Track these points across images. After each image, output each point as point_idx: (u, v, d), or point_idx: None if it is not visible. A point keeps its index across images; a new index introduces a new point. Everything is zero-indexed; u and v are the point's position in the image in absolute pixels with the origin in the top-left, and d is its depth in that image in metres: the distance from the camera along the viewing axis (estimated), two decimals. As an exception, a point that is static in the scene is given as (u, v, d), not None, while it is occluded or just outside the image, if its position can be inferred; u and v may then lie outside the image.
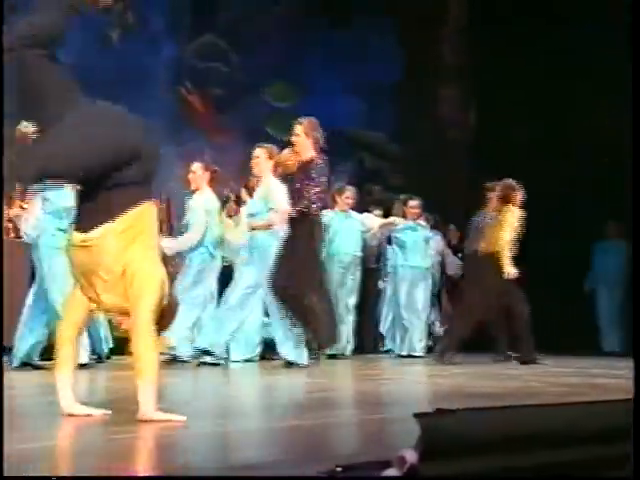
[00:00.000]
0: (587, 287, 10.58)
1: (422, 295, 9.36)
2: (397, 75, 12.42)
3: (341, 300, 8.51)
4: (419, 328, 9.22)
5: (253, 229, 7.24)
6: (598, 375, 6.62)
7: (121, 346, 7.66)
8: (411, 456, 2.16)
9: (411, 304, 9.24)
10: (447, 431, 2.31)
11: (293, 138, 6.93)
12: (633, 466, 2.35)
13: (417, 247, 9.39)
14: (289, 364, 6.75)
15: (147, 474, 2.42)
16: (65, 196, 6.44)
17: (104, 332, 7.29)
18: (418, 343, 9.19)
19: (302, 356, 6.76)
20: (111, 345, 7.46)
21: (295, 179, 6.86)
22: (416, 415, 2.21)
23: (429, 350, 9.18)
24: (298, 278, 6.57)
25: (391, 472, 2.15)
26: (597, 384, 5.70)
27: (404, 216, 9.53)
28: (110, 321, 7.32)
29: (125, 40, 10.94)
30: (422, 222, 9.63)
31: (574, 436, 2.48)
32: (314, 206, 6.74)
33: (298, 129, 6.96)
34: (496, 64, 11.40)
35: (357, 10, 12.12)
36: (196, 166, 7.66)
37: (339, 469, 2.17)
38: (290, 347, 6.77)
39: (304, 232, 6.66)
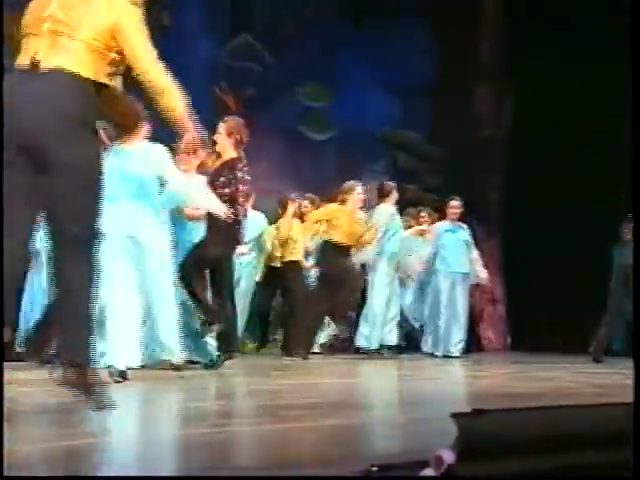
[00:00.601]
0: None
1: (462, 297, 9.33)
2: (431, 74, 12.38)
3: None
4: (458, 330, 9.21)
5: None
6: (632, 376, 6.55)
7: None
8: (448, 456, 2.14)
9: (451, 306, 9.23)
10: (484, 431, 2.30)
11: (215, 137, 6.69)
12: (633, 466, 2.33)
13: (457, 249, 9.34)
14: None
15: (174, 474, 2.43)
16: None
17: None
18: (455, 345, 9.17)
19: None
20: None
21: (216, 179, 6.60)
22: (453, 415, 2.20)
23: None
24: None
25: (428, 472, 2.14)
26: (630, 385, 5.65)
27: (443, 218, 9.53)
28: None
29: (161, 40, 11.01)
30: (463, 224, 9.57)
31: (610, 437, 2.46)
32: (241, 209, 6.55)
33: (221, 128, 6.77)
34: (532, 62, 11.32)
35: (391, 9, 12.10)
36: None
37: (375, 469, 2.16)
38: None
39: (227, 235, 6.44)
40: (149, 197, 5.79)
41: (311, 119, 11.93)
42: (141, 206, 5.72)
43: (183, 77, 12.51)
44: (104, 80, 3.36)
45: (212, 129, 10.79)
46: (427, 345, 9.39)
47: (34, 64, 3.19)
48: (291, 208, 9.09)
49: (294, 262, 8.98)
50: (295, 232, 8.98)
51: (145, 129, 5.88)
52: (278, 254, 9.03)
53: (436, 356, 9.09)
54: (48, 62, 3.19)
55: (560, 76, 10.98)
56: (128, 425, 3.47)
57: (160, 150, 5.87)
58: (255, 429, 3.29)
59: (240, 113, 10.94)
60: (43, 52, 3.20)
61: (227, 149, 6.71)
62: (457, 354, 9.10)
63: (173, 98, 3.49)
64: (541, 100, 11.15)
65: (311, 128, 11.90)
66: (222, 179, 6.49)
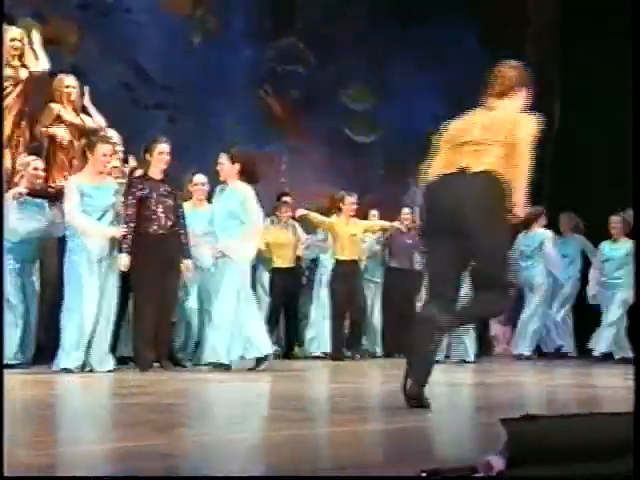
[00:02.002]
0: None
1: None
2: (479, 74, 12.29)
3: None
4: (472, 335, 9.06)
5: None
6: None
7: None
8: (497, 462, 2.13)
9: None
10: (533, 437, 2.28)
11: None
12: (633, 467, 2.30)
13: None
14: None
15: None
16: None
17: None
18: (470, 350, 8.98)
19: None
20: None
21: None
22: (503, 420, 2.19)
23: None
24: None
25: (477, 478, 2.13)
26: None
27: None
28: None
29: (207, 44, 11.10)
30: None
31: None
32: None
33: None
34: (581, 63, 11.20)
35: (437, 9, 12.06)
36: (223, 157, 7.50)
37: (424, 474, 2.16)
38: None
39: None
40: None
41: (357, 122, 11.93)
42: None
43: (228, 80, 12.70)
44: None
45: (257, 132, 10.91)
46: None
47: (463, 170, 4.16)
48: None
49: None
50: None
51: None
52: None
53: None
54: (474, 168, 4.15)
55: (608, 75, 10.86)
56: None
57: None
58: (304, 432, 3.30)
59: (285, 116, 10.98)
60: (469, 162, 4.18)
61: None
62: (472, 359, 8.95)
63: (520, 194, 4.11)
64: (589, 100, 11.03)
65: (357, 131, 11.90)
66: None
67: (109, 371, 6.49)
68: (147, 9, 10.60)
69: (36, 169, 7.04)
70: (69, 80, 7.60)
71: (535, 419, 2.29)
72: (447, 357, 8.75)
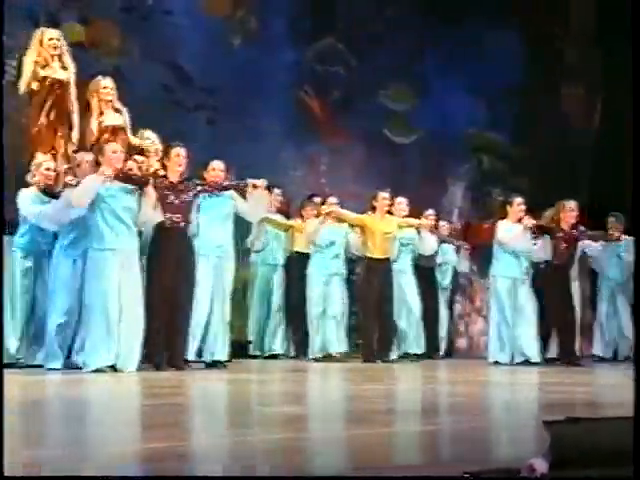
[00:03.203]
0: None
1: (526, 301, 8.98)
2: (518, 75, 12.25)
3: None
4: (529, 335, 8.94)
5: None
6: None
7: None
8: (540, 465, 2.14)
9: (519, 311, 8.92)
10: (576, 440, 2.28)
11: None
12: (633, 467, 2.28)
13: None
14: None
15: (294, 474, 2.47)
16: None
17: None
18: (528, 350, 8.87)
19: None
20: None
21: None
22: (546, 423, 2.18)
23: None
24: None
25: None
26: None
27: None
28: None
29: (246, 45, 11.16)
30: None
31: None
32: None
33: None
34: (622, 62, 11.09)
35: (476, 9, 12.01)
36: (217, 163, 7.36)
37: (467, 476, 2.16)
38: None
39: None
40: None
41: (396, 122, 11.92)
42: None
43: (269, 81, 12.73)
44: None
45: (297, 133, 10.95)
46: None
47: None
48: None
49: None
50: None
51: None
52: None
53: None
54: None
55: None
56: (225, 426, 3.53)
57: None
58: (340, 434, 3.31)
59: (328, 117, 10.97)
60: None
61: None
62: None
63: None
64: (631, 100, 10.90)
65: (395, 131, 11.89)
66: None
67: (136, 370, 6.47)
68: (187, 11, 10.68)
69: (48, 169, 7.09)
70: (106, 82, 7.62)
71: (578, 421, 2.29)
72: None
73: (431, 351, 9.39)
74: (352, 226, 8.85)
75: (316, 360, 8.32)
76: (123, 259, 6.53)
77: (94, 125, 7.60)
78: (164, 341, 6.78)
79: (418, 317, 9.08)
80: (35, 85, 7.50)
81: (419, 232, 9.08)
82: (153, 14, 10.44)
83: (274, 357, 9.05)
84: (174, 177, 6.92)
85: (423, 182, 11.66)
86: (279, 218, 9.18)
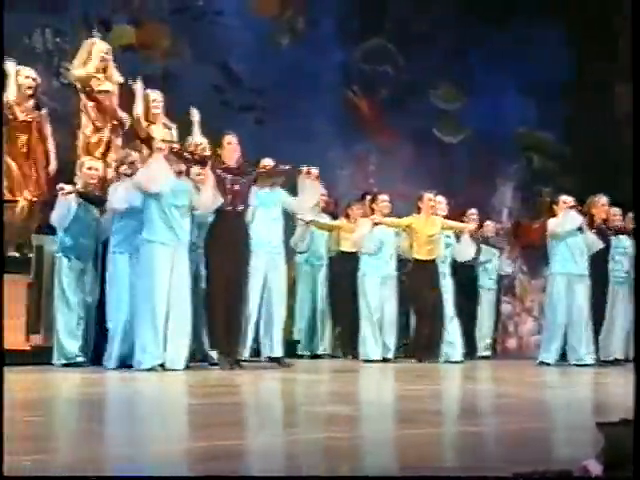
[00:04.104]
0: None
1: (583, 301, 8.85)
2: (568, 74, 12.12)
3: None
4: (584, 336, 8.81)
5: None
6: None
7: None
8: (594, 467, 2.12)
9: (573, 311, 8.80)
10: (630, 441, 2.25)
11: None
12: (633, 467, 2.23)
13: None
14: None
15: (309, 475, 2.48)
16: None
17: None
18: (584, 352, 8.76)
19: None
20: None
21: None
22: (599, 424, 2.17)
23: None
24: None
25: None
26: None
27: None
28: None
29: (295, 45, 11.20)
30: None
31: None
32: None
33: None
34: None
35: (527, 7, 11.91)
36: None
37: (520, 478, 2.15)
38: None
39: None
40: None
41: (445, 121, 11.87)
42: None
43: (317, 81, 12.75)
44: None
45: (345, 132, 10.95)
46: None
47: None
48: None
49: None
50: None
51: None
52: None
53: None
54: None
55: None
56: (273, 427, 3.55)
57: None
58: (390, 435, 3.31)
59: (376, 116, 10.95)
60: None
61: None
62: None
63: None
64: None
65: (444, 130, 11.84)
66: None
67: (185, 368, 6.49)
68: (236, 12, 10.75)
69: (90, 169, 7.15)
70: (155, 95, 7.68)
71: (632, 423, 2.26)
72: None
73: (471, 352, 9.29)
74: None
75: (369, 361, 8.25)
76: (173, 253, 6.56)
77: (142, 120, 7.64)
78: (224, 336, 6.74)
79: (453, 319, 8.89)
80: (82, 95, 7.63)
81: (458, 237, 9.03)
82: (203, 15, 10.53)
83: (318, 356, 9.05)
84: (230, 163, 6.98)
85: (472, 182, 11.59)
86: (326, 219, 9.19)
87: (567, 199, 8.66)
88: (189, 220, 6.76)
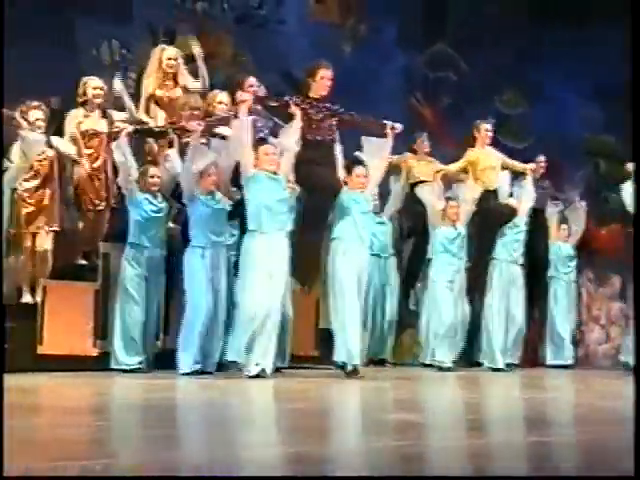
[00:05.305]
0: None
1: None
2: (629, 77, 11.89)
3: None
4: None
5: None
6: None
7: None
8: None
9: None
10: None
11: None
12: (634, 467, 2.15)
13: None
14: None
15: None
16: None
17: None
18: None
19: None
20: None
21: None
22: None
23: None
24: None
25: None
26: None
27: None
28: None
29: (357, 52, 11.20)
30: None
31: None
32: None
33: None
34: None
35: (590, 11, 11.74)
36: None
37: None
38: None
39: None
40: None
41: (509, 127, 11.74)
42: None
43: (380, 88, 12.73)
44: None
45: (408, 141, 10.90)
46: None
47: None
48: None
49: None
50: None
51: None
52: None
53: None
54: None
55: None
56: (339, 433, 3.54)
57: None
58: (447, 444, 3.29)
59: (436, 122, 10.92)
60: None
61: None
62: None
63: None
64: None
65: (509, 136, 11.70)
66: None
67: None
68: (299, 20, 10.80)
69: (152, 177, 7.18)
70: (222, 97, 7.74)
71: None
72: None
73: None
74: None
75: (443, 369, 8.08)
76: (272, 242, 6.37)
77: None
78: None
79: (521, 328, 8.73)
80: (151, 105, 7.73)
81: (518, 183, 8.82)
82: (266, 24, 10.60)
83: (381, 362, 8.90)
84: (317, 96, 6.95)
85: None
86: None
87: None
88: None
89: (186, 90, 7.88)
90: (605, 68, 11.70)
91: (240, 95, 6.80)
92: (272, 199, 6.42)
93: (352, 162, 6.97)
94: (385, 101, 11.03)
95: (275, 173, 6.52)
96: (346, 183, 6.85)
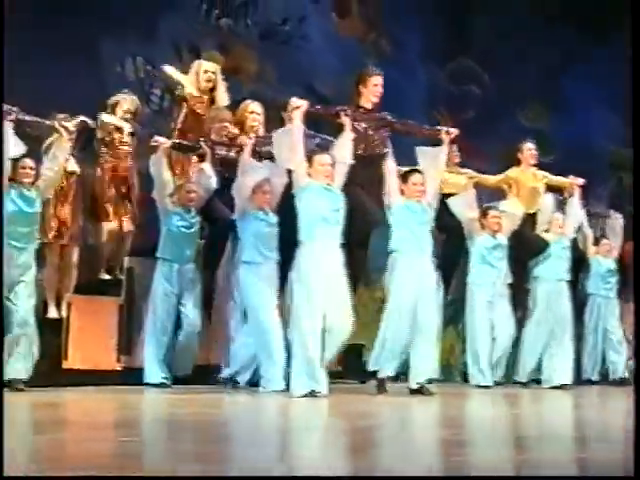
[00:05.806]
0: None
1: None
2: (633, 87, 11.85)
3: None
4: None
5: None
6: None
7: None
8: None
9: None
10: None
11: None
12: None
13: None
14: None
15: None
16: None
17: None
18: None
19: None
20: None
21: None
22: None
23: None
24: None
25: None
26: None
27: None
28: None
29: (380, 67, 11.20)
30: None
31: None
32: None
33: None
34: None
35: (613, 24, 11.71)
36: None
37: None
38: None
39: None
40: None
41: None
42: None
43: (403, 102, 12.69)
44: None
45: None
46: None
47: None
48: None
49: None
50: None
51: None
52: None
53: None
54: None
55: None
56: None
57: None
58: (478, 458, 3.26)
59: (459, 137, 10.88)
60: None
61: None
62: None
63: None
64: None
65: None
66: None
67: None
68: (322, 35, 10.84)
69: (189, 192, 7.13)
70: (254, 106, 7.71)
71: None
72: None
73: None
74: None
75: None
76: (327, 252, 6.03)
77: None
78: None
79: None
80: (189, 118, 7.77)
81: (564, 203, 8.61)
82: (289, 40, 10.64)
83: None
84: (368, 105, 6.80)
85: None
86: None
87: None
88: None
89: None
90: (629, 81, 11.65)
91: (294, 101, 6.40)
92: (328, 209, 6.07)
93: (408, 171, 6.66)
94: (408, 115, 11.02)
95: (329, 184, 6.19)
96: (403, 192, 6.53)
